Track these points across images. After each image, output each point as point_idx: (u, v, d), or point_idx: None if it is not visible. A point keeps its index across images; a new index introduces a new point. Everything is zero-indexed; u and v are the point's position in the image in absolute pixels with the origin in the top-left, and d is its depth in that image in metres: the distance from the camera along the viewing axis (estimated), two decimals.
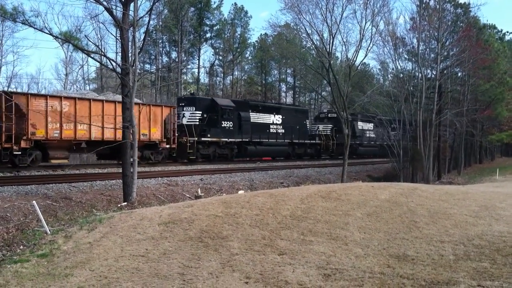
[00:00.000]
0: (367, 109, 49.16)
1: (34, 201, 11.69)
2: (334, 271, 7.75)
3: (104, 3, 17.32)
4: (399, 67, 42.33)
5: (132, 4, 17.26)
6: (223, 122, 34.32)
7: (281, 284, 7.30)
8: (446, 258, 8.26)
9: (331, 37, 31.82)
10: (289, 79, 77.28)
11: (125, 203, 16.81)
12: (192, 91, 40.02)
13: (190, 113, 33.09)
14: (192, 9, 60.91)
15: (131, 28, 17.60)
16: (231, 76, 68.99)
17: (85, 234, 10.18)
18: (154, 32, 57.27)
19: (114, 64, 19.44)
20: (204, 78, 70.70)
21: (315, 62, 40.81)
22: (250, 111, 37.07)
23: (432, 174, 38.11)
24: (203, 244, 9.21)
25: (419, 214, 11.27)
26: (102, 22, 54.90)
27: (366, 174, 38.80)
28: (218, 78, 70.85)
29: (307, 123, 45.03)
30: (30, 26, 17.97)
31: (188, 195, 20.66)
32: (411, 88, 40.52)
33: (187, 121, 32.53)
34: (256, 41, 72.38)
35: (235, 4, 66.86)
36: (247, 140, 36.21)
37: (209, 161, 33.50)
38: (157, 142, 29.40)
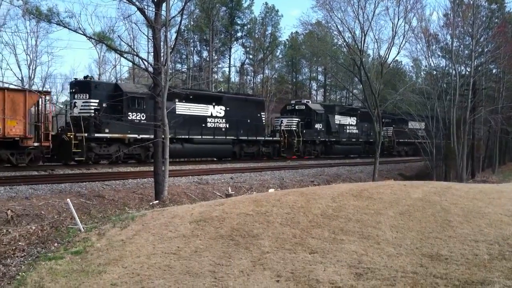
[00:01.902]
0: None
1: (68, 199, 11.91)
2: (366, 270, 7.67)
3: (137, 3, 17.57)
4: (432, 64, 41.77)
5: (164, 4, 17.43)
6: (131, 113, 27.24)
7: (312, 282, 7.27)
8: (481, 257, 8.10)
9: (363, 34, 31.69)
10: (320, 77, 76.97)
11: (157, 201, 16.99)
12: (88, 75, 29.71)
13: (83, 102, 26.12)
14: (223, 8, 61.17)
15: (163, 28, 17.78)
16: (261, 75, 69.07)
17: (118, 231, 10.32)
18: (185, 31, 57.74)
19: (146, 63, 19.72)
20: (234, 77, 71.04)
21: (347, 60, 40.48)
22: (176, 100, 29.26)
23: (466, 173, 37.40)
24: (234, 242, 9.23)
25: (452, 213, 11.07)
26: (135, 22, 55.81)
27: (397, 173, 38.39)
28: (248, 77, 71.07)
29: (263, 116, 37.38)
30: (65, 27, 18.33)
31: (218, 194, 20.76)
32: (444, 86, 39.88)
33: (79, 112, 25.80)
34: (287, 39, 72.42)
35: (266, 3, 66.87)
36: (170, 136, 30.52)
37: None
38: (19, 138, 22.36)
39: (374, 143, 48.55)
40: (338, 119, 44.53)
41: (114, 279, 7.78)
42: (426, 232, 9.67)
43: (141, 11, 17.95)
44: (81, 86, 26.47)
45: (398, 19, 32.08)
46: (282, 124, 40.03)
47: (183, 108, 30.19)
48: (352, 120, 46.40)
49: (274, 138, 37.94)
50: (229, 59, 65.70)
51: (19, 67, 47.99)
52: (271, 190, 19.69)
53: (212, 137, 31.73)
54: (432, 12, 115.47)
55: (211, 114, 32.53)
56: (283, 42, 71.58)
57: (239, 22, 64.27)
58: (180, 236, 9.71)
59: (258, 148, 36.14)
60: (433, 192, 13.60)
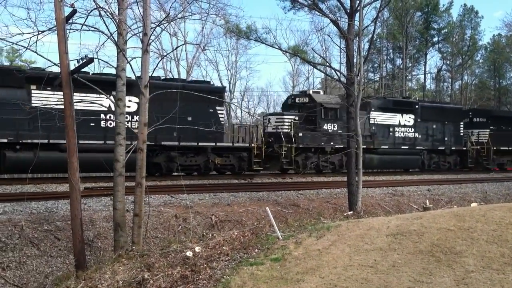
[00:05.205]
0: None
1: (267, 207, 12.41)
2: None
3: (330, 15, 17.88)
4: None
5: (357, 14, 17.44)
6: None
7: None
8: None
9: None
10: None
11: (351, 212, 16.92)
12: None
13: None
14: (418, 13, 59.25)
15: (356, 38, 17.78)
16: (459, 81, 65.41)
17: (314, 241, 10.44)
18: (378, 39, 57.06)
19: (339, 74, 19.88)
20: (430, 84, 68.27)
21: None
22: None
23: None
24: (434, 259, 8.77)
25: None
26: (328, 34, 57.03)
27: None
28: (445, 84, 67.81)
29: (220, 112, 25.30)
30: (262, 42, 19.49)
31: (415, 206, 20.07)
32: None
33: None
34: (488, 42, 67.54)
35: (464, 4, 63.09)
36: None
37: None
38: None
39: (448, 152, 34.16)
40: (376, 116, 30.69)
41: None
42: None
43: (334, 22, 18.25)
44: None
45: None
46: (269, 124, 28.01)
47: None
48: (406, 119, 32.48)
49: (239, 145, 26.20)
50: (425, 66, 63.30)
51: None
52: (473, 205, 18.43)
53: (102, 142, 20.86)
54: None
55: (110, 108, 20.51)
56: (483, 45, 67.01)
57: (435, 26, 61.59)
58: (377, 249, 9.49)
59: (207, 159, 24.35)
60: None
